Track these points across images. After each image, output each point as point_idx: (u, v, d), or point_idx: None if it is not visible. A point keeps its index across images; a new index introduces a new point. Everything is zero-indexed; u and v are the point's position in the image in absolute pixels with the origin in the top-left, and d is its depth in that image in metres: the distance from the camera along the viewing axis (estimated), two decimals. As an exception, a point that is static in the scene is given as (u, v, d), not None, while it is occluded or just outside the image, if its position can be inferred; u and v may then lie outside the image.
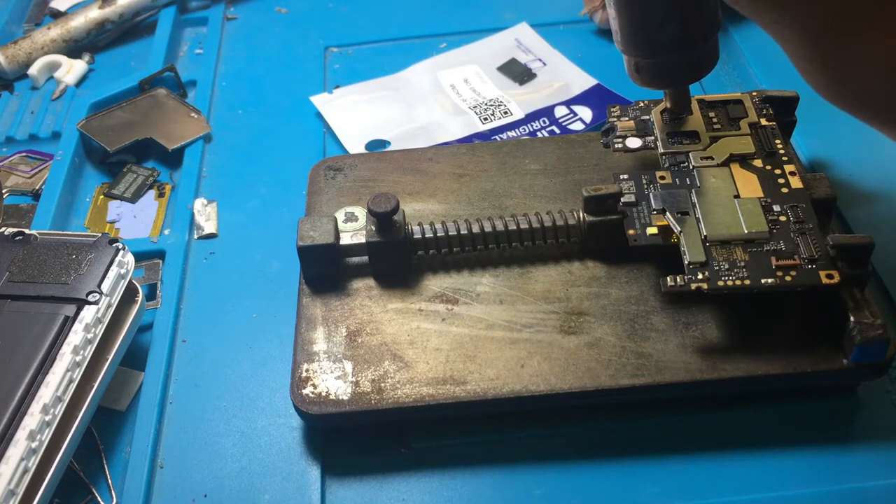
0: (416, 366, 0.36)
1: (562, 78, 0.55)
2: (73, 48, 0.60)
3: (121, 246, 0.39)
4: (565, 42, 0.58)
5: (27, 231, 0.39)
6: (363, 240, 0.39)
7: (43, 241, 0.39)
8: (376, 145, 0.51)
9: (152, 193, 0.50)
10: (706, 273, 0.35)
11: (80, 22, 0.60)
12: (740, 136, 0.41)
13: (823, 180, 0.39)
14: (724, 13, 0.37)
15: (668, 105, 0.41)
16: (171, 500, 0.36)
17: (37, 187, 0.50)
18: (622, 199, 0.38)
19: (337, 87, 0.56)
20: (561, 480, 0.35)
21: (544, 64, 0.56)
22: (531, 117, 0.52)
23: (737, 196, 0.38)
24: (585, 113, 0.52)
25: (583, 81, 0.54)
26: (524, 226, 0.40)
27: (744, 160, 0.40)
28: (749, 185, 0.38)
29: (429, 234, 0.40)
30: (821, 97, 0.34)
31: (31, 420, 0.33)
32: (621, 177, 0.40)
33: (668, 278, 0.35)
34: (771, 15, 0.32)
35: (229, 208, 0.48)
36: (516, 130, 0.51)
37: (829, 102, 0.33)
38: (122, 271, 0.38)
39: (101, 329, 0.36)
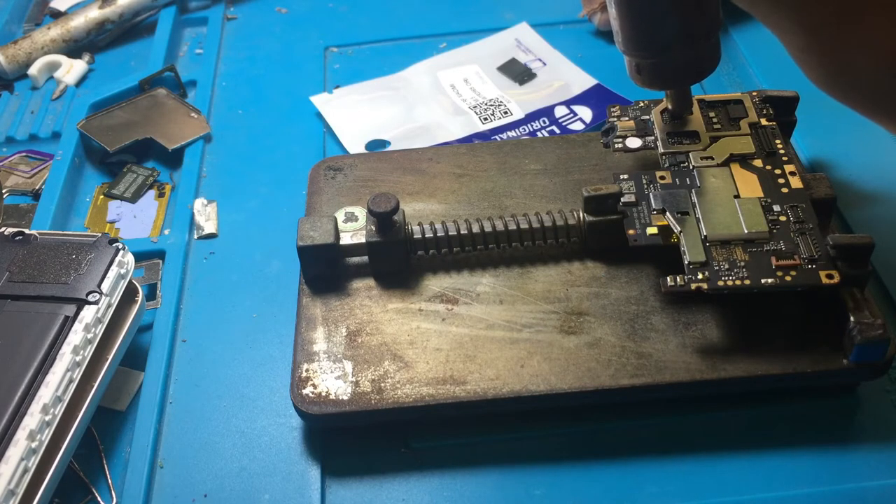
0: (416, 366, 0.36)
1: (562, 78, 0.55)
2: (73, 48, 0.60)
3: (121, 246, 0.39)
4: (565, 42, 0.58)
5: (27, 231, 0.39)
6: (363, 240, 0.39)
7: (43, 241, 0.39)
8: (376, 145, 0.51)
9: (152, 193, 0.50)
10: (706, 273, 0.35)
11: (80, 22, 0.60)
12: (740, 136, 0.41)
13: (823, 180, 0.39)
14: (724, 13, 0.37)
15: (670, 106, 0.41)
16: (171, 500, 0.36)
17: (37, 187, 0.50)
18: (622, 199, 0.38)
19: (337, 87, 0.56)
20: (561, 480, 0.35)
21: (544, 64, 0.56)
22: (531, 117, 0.52)
23: (737, 196, 0.38)
24: (585, 113, 0.52)
25: (583, 81, 0.54)
26: (524, 226, 0.40)
27: (744, 160, 0.40)
28: (749, 185, 0.38)
29: (429, 234, 0.40)
30: (821, 96, 0.34)
31: (31, 420, 0.33)
32: (621, 177, 0.40)
33: (668, 278, 0.35)
34: (768, 6, 0.32)
35: (229, 208, 0.48)
36: (516, 130, 0.51)
37: (826, 94, 0.33)
38: (122, 271, 0.38)
39: (101, 329, 0.36)
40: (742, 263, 0.35)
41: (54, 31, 0.59)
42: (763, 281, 0.35)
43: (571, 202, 0.43)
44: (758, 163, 0.39)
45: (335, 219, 0.40)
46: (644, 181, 0.39)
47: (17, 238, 0.39)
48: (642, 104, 0.44)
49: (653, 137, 0.42)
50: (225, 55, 0.60)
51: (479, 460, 0.36)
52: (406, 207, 0.42)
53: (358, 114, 0.53)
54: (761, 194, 0.38)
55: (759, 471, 0.35)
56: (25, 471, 0.32)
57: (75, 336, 0.35)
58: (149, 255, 0.45)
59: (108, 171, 0.52)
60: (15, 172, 0.52)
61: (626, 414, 0.37)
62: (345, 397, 0.36)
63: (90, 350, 0.36)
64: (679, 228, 0.37)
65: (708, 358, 0.36)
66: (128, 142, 0.51)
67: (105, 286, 0.37)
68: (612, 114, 0.44)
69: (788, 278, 0.35)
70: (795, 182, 0.38)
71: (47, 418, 0.33)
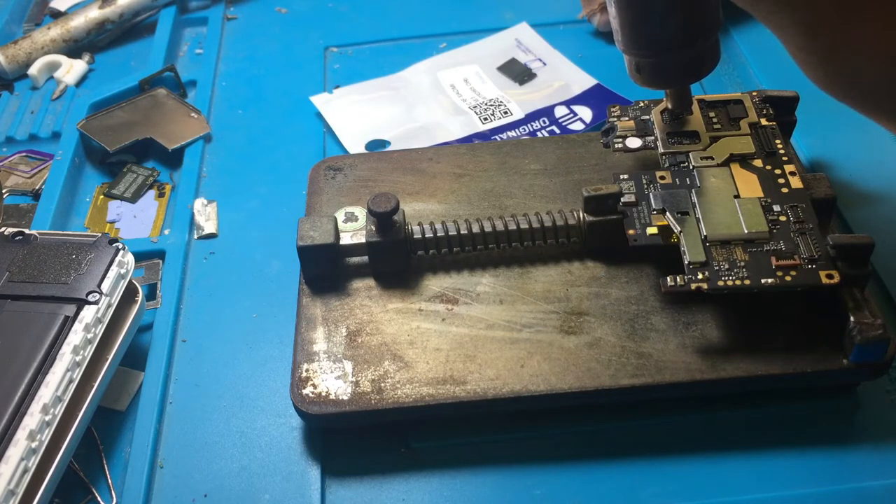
0: (416, 366, 0.36)
1: (562, 78, 0.55)
2: (73, 48, 0.60)
3: (121, 246, 0.39)
4: (565, 42, 0.58)
5: (27, 231, 0.39)
6: (363, 240, 0.39)
7: (43, 241, 0.39)
8: (376, 145, 0.51)
9: (152, 193, 0.50)
10: (706, 273, 0.35)
11: (80, 22, 0.60)
12: (740, 136, 0.41)
13: (823, 180, 0.39)
14: (724, 13, 0.37)
15: (670, 105, 0.41)
16: (171, 500, 0.36)
17: (37, 187, 0.50)
18: (622, 199, 0.38)
19: (337, 87, 0.56)
20: (561, 480, 0.35)
21: (544, 64, 0.56)
22: (531, 117, 0.52)
23: (737, 196, 0.38)
24: (585, 113, 0.52)
25: (583, 81, 0.54)
26: (524, 226, 0.40)
27: (744, 160, 0.40)
28: (749, 185, 0.38)
29: (429, 234, 0.40)
30: (821, 96, 0.34)
31: (31, 420, 0.33)
32: (621, 177, 0.40)
33: (668, 278, 0.35)
34: (768, 5, 0.32)
35: (229, 208, 0.48)
36: (516, 130, 0.51)
37: (827, 93, 0.33)
38: (122, 271, 0.38)
39: (101, 329, 0.36)
40: (742, 263, 0.35)
41: (54, 31, 0.59)
42: (763, 281, 0.35)
43: (571, 202, 0.43)
44: (758, 163, 0.39)
45: (335, 219, 0.40)
46: (644, 181, 0.39)
47: (17, 238, 0.39)
48: (642, 104, 0.44)
49: (653, 137, 0.42)
50: (225, 55, 0.60)
51: (479, 460, 0.36)
52: (406, 207, 0.42)
53: (358, 114, 0.53)
54: (761, 194, 0.38)
55: (759, 471, 0.35)
56: (25, 471, 0.32)
57: (75, 336, 0.35)
58: (149, 255, 0.45)
59: (108, 171, 0.52)
60: (15, 172, 0.52)
61: (626, 414, 0.37)
62: (345, 397, 0.36)
63: (90, 350, 0.36)
64: (679, 228, 0.37)
65: (708, 358, 0.36)
66: (128, 142, 0.51)
67: (105, 286, 0.37)
68: (612, 114, 0.44)
69: (788, 278, 0.35)
70: (795, 182, 0.38)
71: (47, 418, 0.33)
